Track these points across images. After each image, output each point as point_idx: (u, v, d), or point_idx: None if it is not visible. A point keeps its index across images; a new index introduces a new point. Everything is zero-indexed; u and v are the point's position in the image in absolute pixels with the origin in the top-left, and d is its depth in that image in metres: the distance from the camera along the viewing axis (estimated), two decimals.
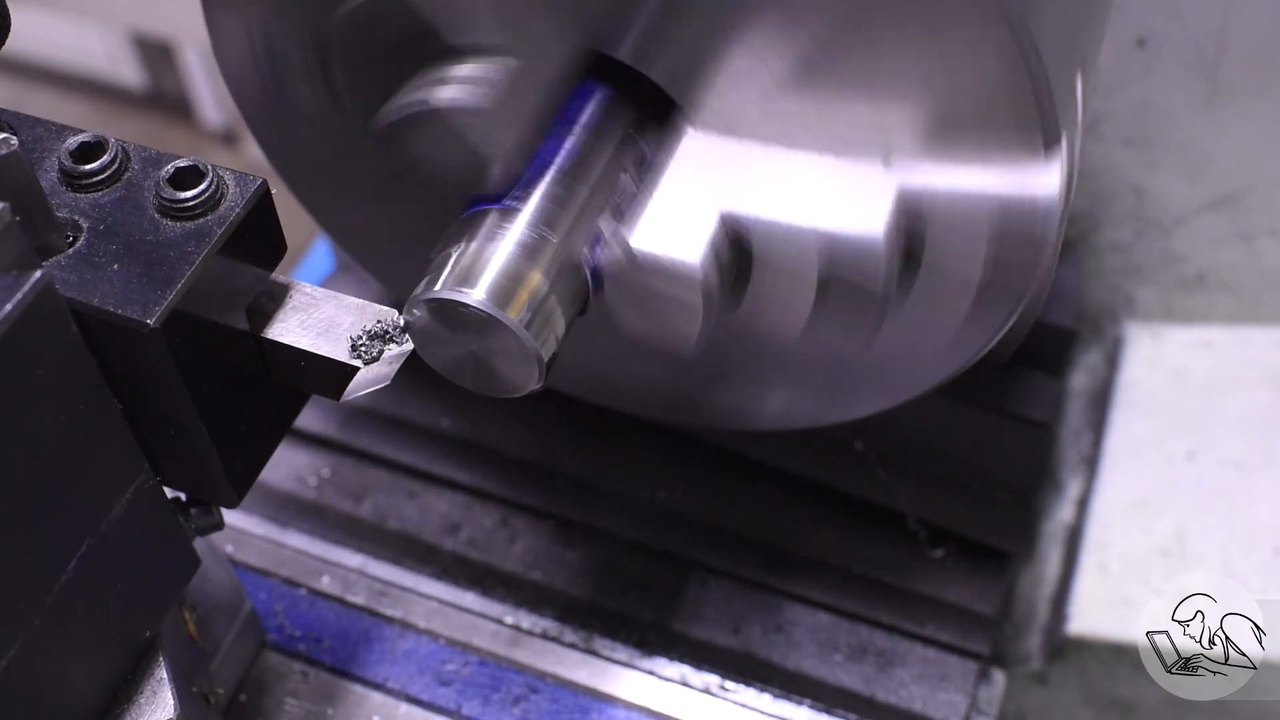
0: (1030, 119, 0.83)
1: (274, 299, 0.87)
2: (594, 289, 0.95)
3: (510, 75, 0.91)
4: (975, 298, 0.95)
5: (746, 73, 0.88)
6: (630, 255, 0.93)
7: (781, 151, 0.91)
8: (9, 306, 0.68)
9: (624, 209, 0.94)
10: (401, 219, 1.11)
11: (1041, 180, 0.86)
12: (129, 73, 3.68)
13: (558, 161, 0.93)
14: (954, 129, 0.86)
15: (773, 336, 1.02)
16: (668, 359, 1.03)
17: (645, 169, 0.95)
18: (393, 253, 1.21)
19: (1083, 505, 1.41)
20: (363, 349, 0.85)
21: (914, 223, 0.92)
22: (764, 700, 1.22)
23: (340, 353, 0.85)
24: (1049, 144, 0.84)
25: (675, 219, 0.93)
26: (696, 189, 0.93)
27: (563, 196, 0.92)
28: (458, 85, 0.92)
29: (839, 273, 0.94)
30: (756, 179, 0.92)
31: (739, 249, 0.95)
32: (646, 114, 0.95)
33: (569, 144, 0.94)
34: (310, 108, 1.05)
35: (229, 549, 1.30)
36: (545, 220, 0.91)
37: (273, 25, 1.01)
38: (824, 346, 1.02)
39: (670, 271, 0.93)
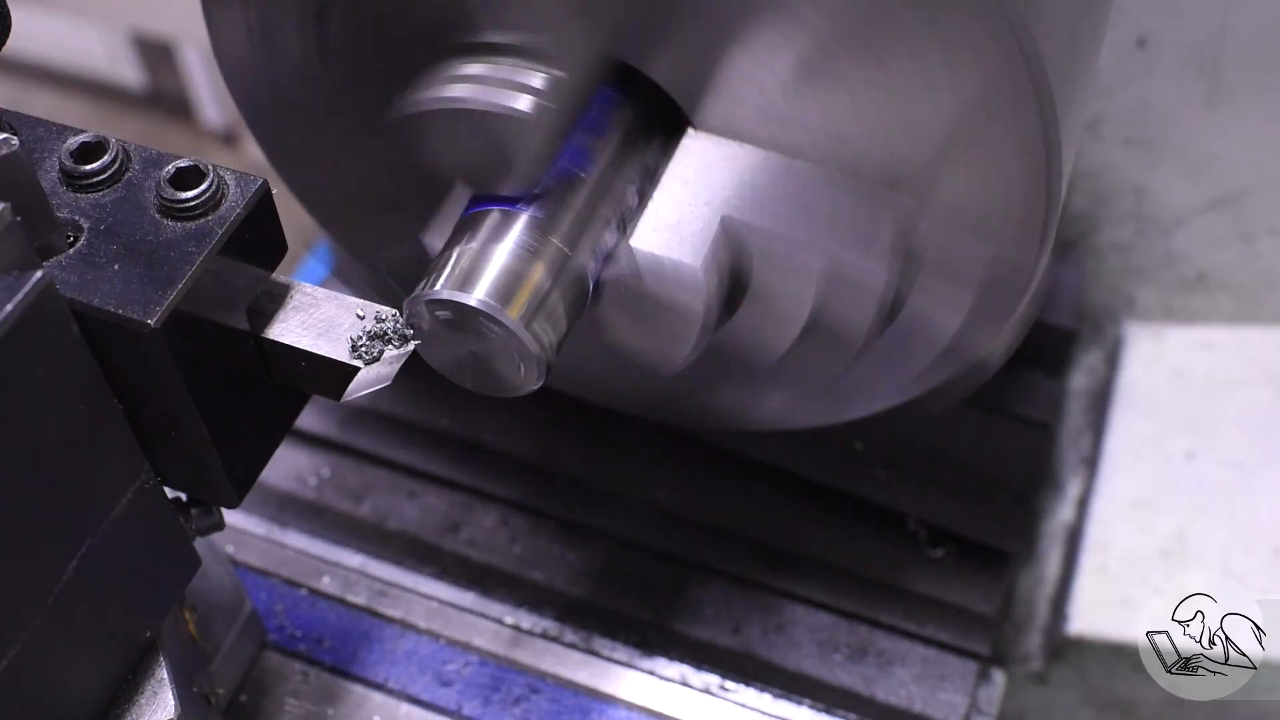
0: (1029, 120, 0.83)
1: (274, 299, 0.87)
2: (593, 296, 0.95)
3: (553, 83, 0.89)
4: (975, 300, 0.95)
5: (748, 73, 0.88)
6: (631, 259, 0.93)
7: (783, 158, 0.91)
8: (10, 307, 0.68)
9: (628, 219, 0.94)
10: (399, 216, 1.11)
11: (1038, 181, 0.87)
12: (129, 73, 3.68)
13: (562, 164, 0.93)
14: (957, 138, 0.86)
15: (755, 354, 1.02)
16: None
17: (650, 177, 0.95)
18: (390, 248, 1.21)
19: (1083, 505, 1.41)
20: (363, 349, 0.85)
21: (910, 235, 0.92)
22: (764, 700, 1.22)
23: (341, 353, 0.85)
24: (1050, 144, 0.85)
25: (677, 221, 0.93)
26: (698, 191, 0.93)
27: (566, 199, 0.92)
28: (496, 88, 0.89)
29: (836, 282, 0.94)
30: (759, 185, 0.92)
31: (736, 262, 0.95)
32: (654, 122, 0.95)
33: (575, 148, 0.94)
34: (309, 101, 1.05)
35: (229, 549, 1.30)
36: (548, 221, 0.91)
37: (272, 13, 1.00)
38: (808, 364, 1.02)
39: (672, 275, 0.93)
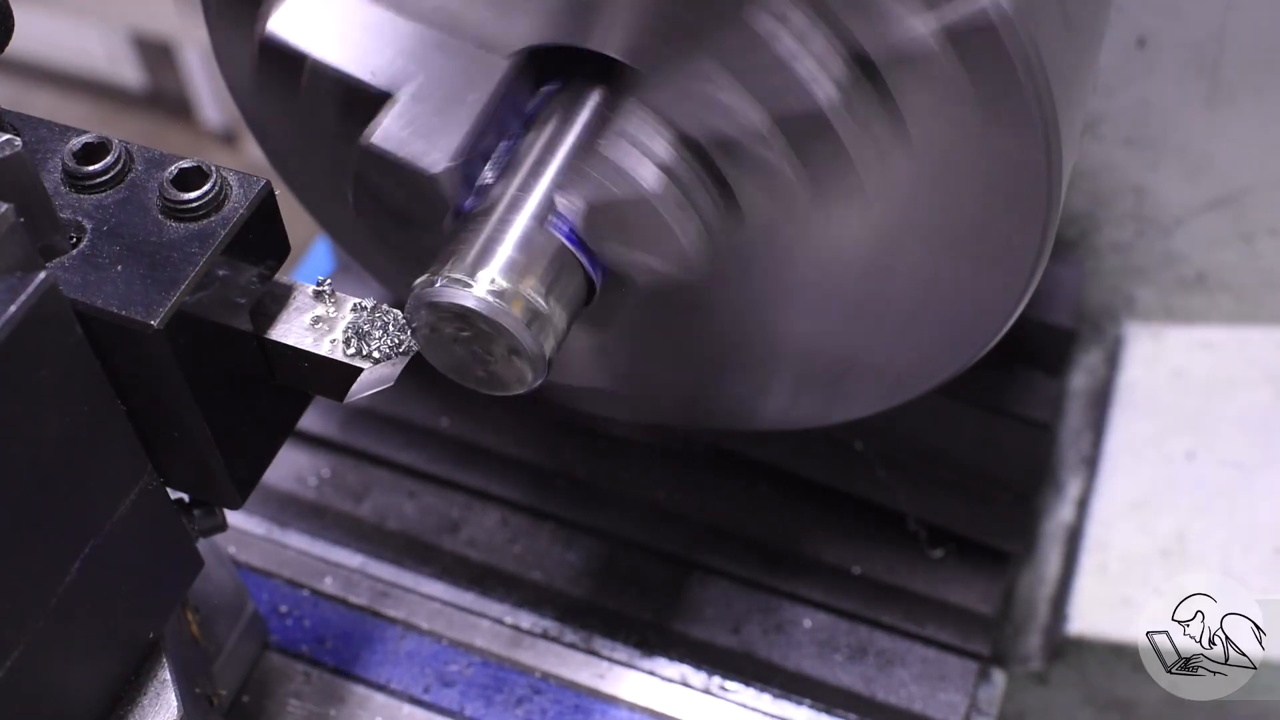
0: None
1: (277, 300, 0.87)
2: (592, 271, 0.94)
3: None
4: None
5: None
6: (590, 186, 0.91)
7: None
8: (13, 308, 0.68)
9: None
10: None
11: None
12: (129, 73, 3.69)
13: (545, 158, 0.93)
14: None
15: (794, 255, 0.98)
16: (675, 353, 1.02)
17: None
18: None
19: (1083, 505, 1.41)
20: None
21: None
22: (764, 700, 1.22)
23: (342, 354, 0.85)
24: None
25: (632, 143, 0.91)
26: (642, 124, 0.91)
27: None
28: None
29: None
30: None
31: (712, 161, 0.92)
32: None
33: (545, 138, 0.93)
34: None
35: (231, 550, 1.30)
36: (545, 218, 0.91)
37: None
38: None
39: (618, 180, 0.90)
